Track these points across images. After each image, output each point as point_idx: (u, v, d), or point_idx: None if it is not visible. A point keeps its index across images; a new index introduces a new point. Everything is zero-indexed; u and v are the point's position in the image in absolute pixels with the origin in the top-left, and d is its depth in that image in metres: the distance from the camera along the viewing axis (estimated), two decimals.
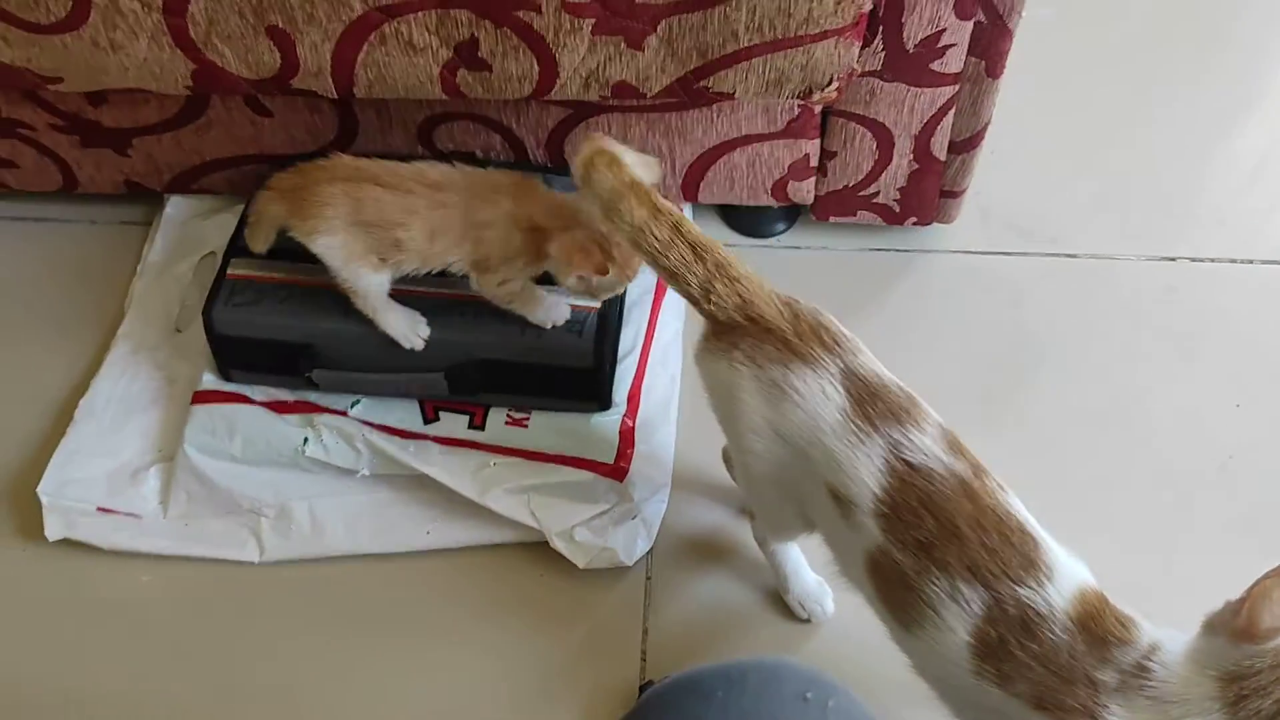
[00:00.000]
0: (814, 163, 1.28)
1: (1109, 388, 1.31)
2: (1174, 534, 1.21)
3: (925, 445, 0.87)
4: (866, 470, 0.86)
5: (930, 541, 0.84)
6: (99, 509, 1.22)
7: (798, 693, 0.58)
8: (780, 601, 1.17)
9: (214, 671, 1.15)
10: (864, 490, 0.86)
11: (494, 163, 1.28)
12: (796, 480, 0.93)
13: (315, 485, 1.23)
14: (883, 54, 1.13)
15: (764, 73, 1.06)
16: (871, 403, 0.88)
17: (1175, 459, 1.26)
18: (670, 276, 0.94)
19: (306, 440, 1.21)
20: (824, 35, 1.03)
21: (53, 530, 1.20)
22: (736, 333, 0.92)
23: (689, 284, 0.93)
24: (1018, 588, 0.82)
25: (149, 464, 1.25)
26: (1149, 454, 1.26)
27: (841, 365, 0.89)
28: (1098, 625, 0.81)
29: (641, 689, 1.11)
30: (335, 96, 1.13)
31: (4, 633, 1.18)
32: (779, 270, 1.36)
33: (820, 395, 0.89)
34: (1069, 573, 0.84)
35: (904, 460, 0.86)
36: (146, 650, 1.17)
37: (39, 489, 1.21)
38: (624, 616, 1.18)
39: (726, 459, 1.19)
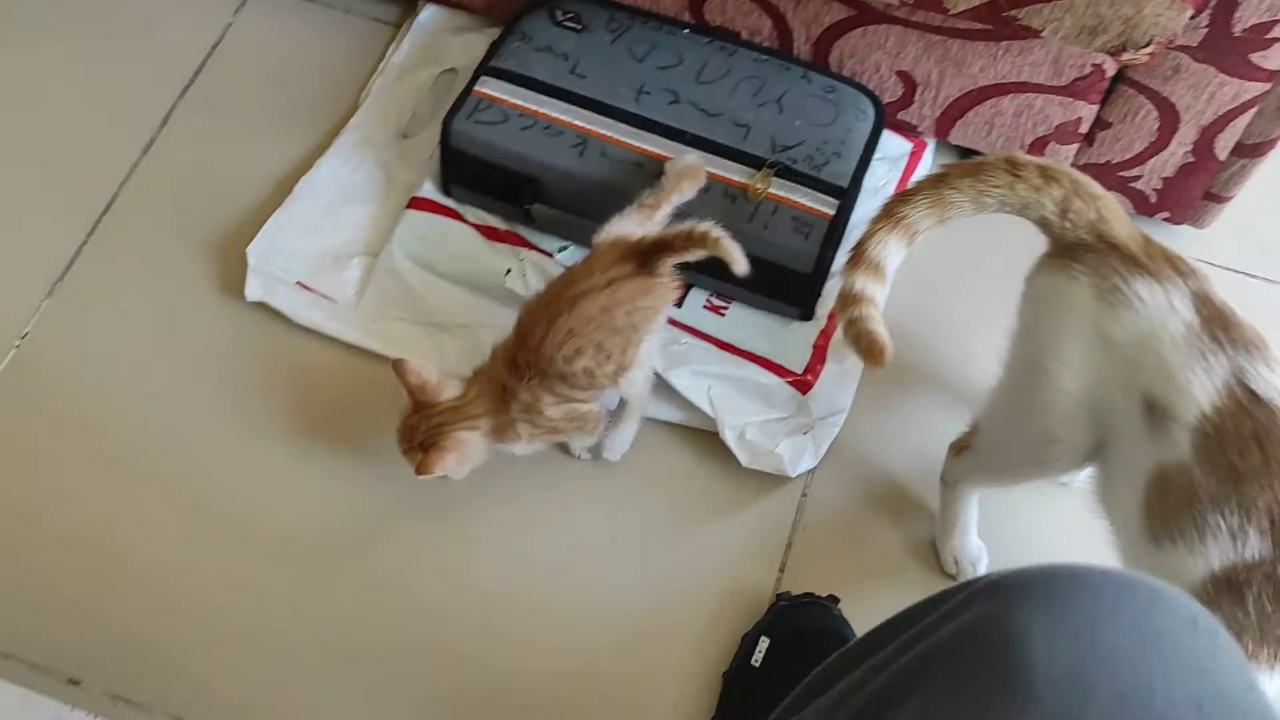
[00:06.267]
0: (1084, 129, 1.22)
1: None
2: None
3: (1275, 382, 0.84)
4: (1200, 386, 0.84)
5: (1246, 475, 0.81)
6: (298, 283, 1.25)
7: (1188, 617, 0.55)
8: (926, 554, 1.15)
9: (357, 466, 1.18)
10: (1190, 404, 0.84)
11: (753, 47, 1.25)
12: (1101, 392, 0.90)
13: (504, 318, 1.22)
14: (1205, 30, 1.06)
15: (1083, 16, 1.00)
16: (1223, 327, 0.86)
17: None
18: (1022, 208, 0.92)
19: (509, 271, 1.22)
20: None
21: (252, 291, 1.23)
22: (1081, 249, 0.90)
23: (1043, 208, 0.91)
24: None
25: (352, 255, 1.27)
26: None
27: (1195, 288, 0.87)
28: None
29: (777, 598, 1.11)
30: None
31: (180, 372, 1.23)
32: (1005, 233, 1.31)
33: (1166, 306, 0.86)
34: None
35: (1247, 388, 0.83)
36: (303, 423, 1.20)
37: (248, 249, 1.24)
38: (772, 525, 1.17)
39: (960, 445, 1.12)
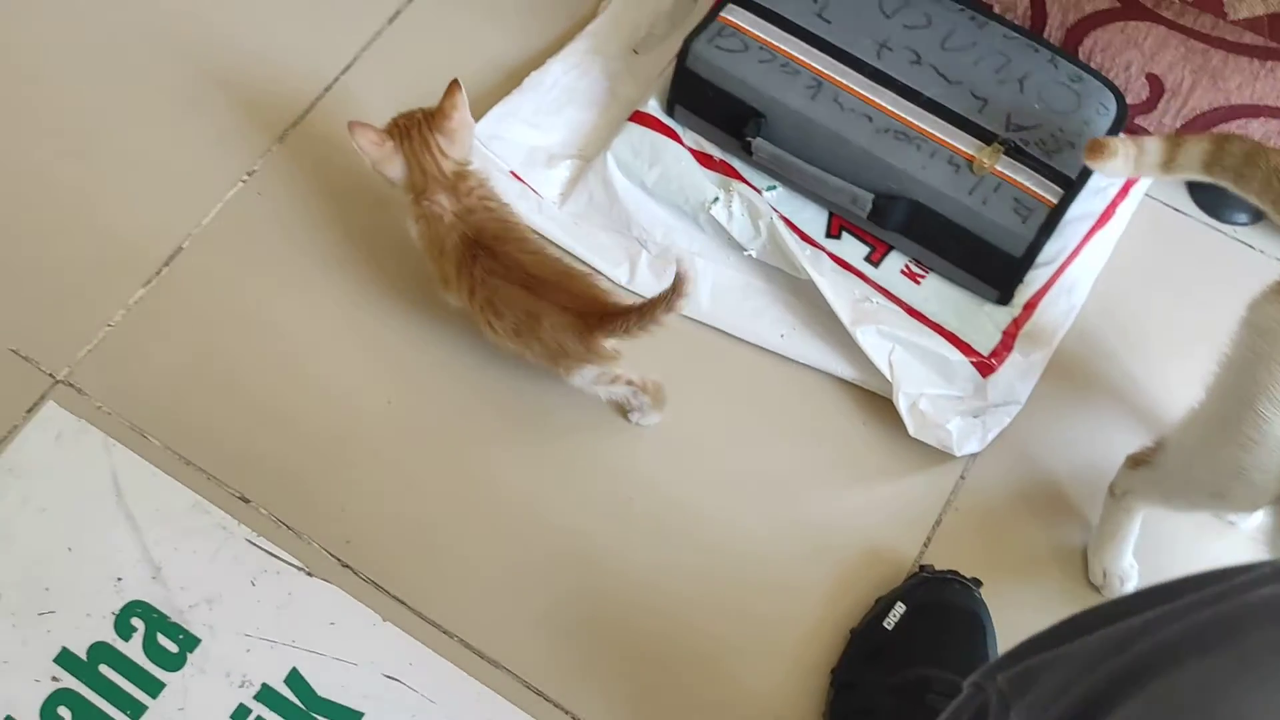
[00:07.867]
0: None
1: None
2: None
3: None
4: None
5: None
6: (511, 172, 1.28)
7: None
8: (1072, 561, 1.13)
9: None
10: None
11: (1004, 22, 1.23)
12: None
13: (701, 244, 1.25)
14: None
15: None
16: None
17: None
18: None
19: (716, 199, 1.23)
20: None
21: None
22: None
23: None
24: None
25: (566, 156, 1.30)
26: None
27: None
28: None
29: (920, 568, 1.11)
30: None
31: (388, 240, 1.27)
32: (1217, 260, 1.28)
33: None
34: None
35: None
36: None
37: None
38: (925, 499, 1.17)
39: (1138, 459, 1.09)
